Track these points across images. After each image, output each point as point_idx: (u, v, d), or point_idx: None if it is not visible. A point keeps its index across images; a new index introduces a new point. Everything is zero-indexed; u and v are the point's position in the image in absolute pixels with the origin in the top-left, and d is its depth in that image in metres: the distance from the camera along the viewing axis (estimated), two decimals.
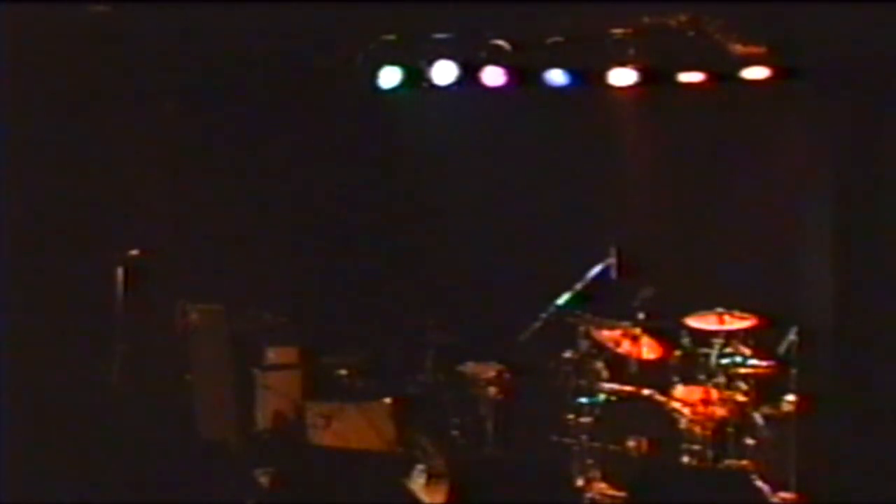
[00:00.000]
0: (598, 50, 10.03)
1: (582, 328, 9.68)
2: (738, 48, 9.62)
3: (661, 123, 10.47)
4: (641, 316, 9.57)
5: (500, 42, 10.19)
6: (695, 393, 9.39)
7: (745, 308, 9.41)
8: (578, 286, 9.77)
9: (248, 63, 10.31)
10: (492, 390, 10.18)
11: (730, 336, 9.38)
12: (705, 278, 10.15)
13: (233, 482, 9.55)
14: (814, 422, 9.18)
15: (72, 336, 9.64)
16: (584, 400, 9.53)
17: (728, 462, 9.20)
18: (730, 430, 9.22)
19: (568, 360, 9.63)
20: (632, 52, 9.96)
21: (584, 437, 9.40)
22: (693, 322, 9.48)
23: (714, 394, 9.30)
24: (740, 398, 9.27)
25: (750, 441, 9.16)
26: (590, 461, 9.32)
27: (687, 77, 10.03)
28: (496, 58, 10.24)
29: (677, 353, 9.57)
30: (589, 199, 10.66)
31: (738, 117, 10.16)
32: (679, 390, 9.48)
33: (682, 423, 9.29)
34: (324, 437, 10.17)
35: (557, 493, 9.36)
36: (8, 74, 9.16)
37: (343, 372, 10.45)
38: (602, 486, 9.22)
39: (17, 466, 8.82)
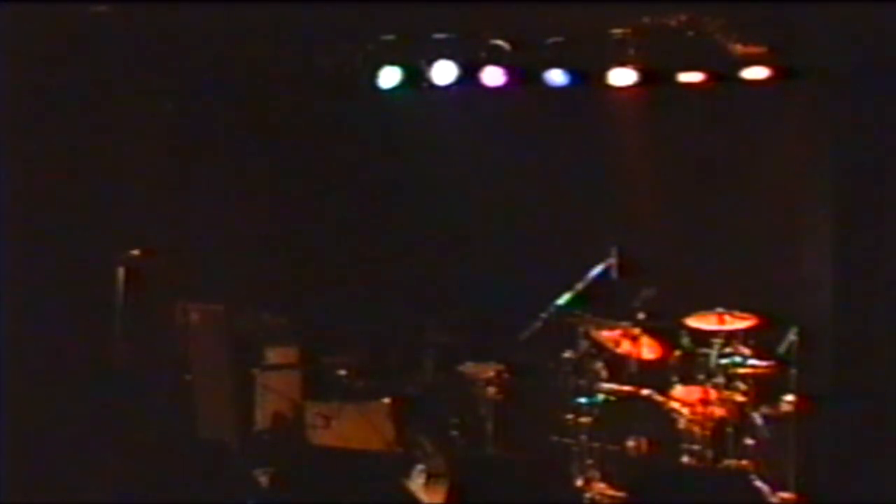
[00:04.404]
0: (598, 50, 10.02)
1: (582, 328, 9.67)
2: (738, 48, 9.62)
3: (661, 123, 10.46)
4: (641, 316, 9.56)
5: (500, 42, 10.18)
6: (694, 393, 9.39)
7: (745, 308, 9.41)
8: (579, 286, 9.76)
9: (248, 63, 10.31)
10: (492, 390, 10.17)
11: (730, 336, 9.37)
12: (705, 278, 10.14)
13: (233, 482, 9.56)
14: (814, 422, 9.18)
15: (72, 336, 9.64)
16: (583, 400, 9.52)
17: (727, 462, 9.20)
18: (729, 430, 9.22)
19: (568, 360, 9.62)
20: (632, 52, 9.95)
21: (583, 437, 9.40)
22: (693, 322, 9.48)
23: (713, 394, 9.30)
24: (739, 398, 9.27)
25: (749, 441, 9.17)
26: (589, 461, 9.32)
27: (687, 77, 10.01)
28: (496, 58, 10.23)
29: (677, 353, 9.57)
30: (589, 199, 10.66)
31: (738, 117, 10.16)
32: (678, 390, 9.48)
33: (682, 424, 9.30)
34: (324, 437, 10.18)
35: (557, 493, 9.36)
36: (8, 74, 9.16)
37: (343, 372, 10.46)
38: (601, 486, 9.22)
39: (18, 466, 8.82)
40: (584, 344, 9.66)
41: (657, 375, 9.58)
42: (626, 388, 9.55)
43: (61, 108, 9.65)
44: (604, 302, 9.77)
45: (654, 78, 10.07)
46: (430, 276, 10.99)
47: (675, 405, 9.38)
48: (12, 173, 9.30)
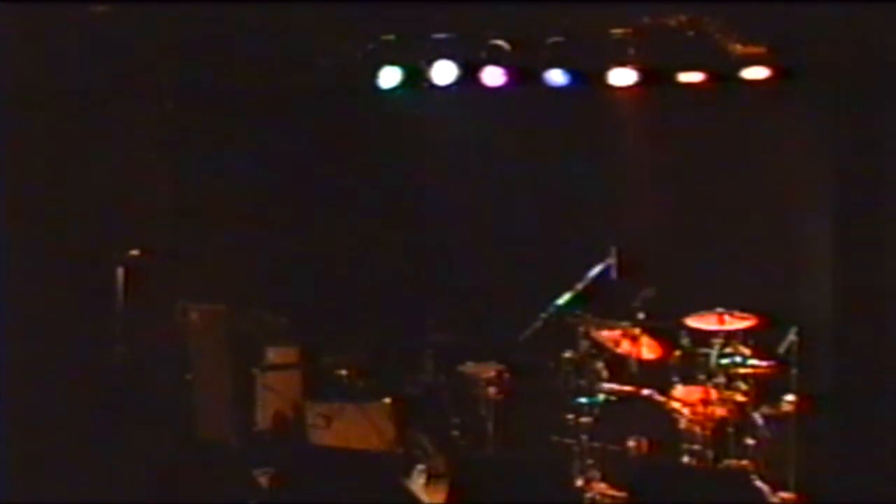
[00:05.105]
0: (598, 50, 10.02)
1: (582, 328, 9.67)
2: (738, 48, 9.62)
3: (661, 123, 10.46)
4: (641, 316, 9.56)
5: (500, 42, 10.19)
6: (694, 393, 9.39)
7: (745, 308, 9.41)
8: (578, 286, 9.77)
9: (249, 63, 10.31)
10: (492, 390, 10.18)
11: (730, 336, 9.37)
12: (705, 278, 10.14)
13: (233, 482, 9.55)
14: (814, 422, 9.18)
15: (72, 336, 9.63)
16: (583, 400, 9.53)
17: (727, 462, 9.20)
18: (729, 430, 9.22)
19: (568, 360, 9.63)
20: (632, 52, 9.95)
21: (584, 437, 9.40)
22: (693, 322, 9.48)
23: (713, 394, 9.30)
24: (740, 398, 9.28)
25: (749, 441, 9.17)
26: (590, 461, 9.32)
27: (687, 77, 10.01)
28: (496, 58, 10.23)
29: (677, 353, 9.57)
30: (589, 199, 10.66)
31: (738, 117, 10.15)
32: (679, 390, 9.48)
33: (682, 424, 9.30)
34: (324, 437, 10.18)
35: (557, 493, 9.34)
36: (8, 74, 9.16)
37: (343, 372, 10.45)
38: (602, 486, 9.22)
39: (18, 466, 8.82)
40: (584, 344, 9.67)
41: (657, 375, 9.58)
42: (627, 388, 9.55)
43: (61, 108, 9.64)
44: (604, 302, 9.77)
45: (654, 78, 10.06)
46: (431, 276, 11.00)
47: (675, 405, 9.38)
48: (12, 173, 9.30)
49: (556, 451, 9.57)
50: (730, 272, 10.13)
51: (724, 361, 9.32)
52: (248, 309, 10.47)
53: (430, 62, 10.35)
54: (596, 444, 9.36)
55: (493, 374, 10.23)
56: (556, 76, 10.25)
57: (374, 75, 10.52)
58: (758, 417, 9.21)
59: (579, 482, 9.32)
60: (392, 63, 10.48)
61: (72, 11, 9.30)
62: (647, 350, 9.68)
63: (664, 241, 10.37)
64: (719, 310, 9.38)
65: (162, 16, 9.49)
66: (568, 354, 9.63)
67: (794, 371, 9.09)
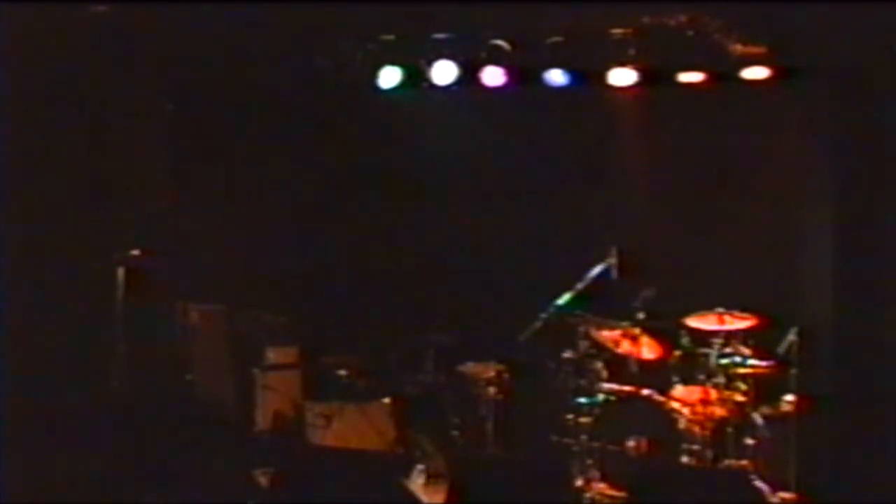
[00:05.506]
0: (598, 50, 10.04)
1: (582, 328, 9.67)
2: (738, 48, 9.63)
3: (661, 123, 10.47)
4: (641, 316, 9.56)
5: (500, 42, 10.20)
6: (694, 393, 9.38)
7: (745, 308, 9.41)
8: (578, 286, 9.76)
9: (248, 63, 10.32)
10: (492, 390, 10.18)
11: (729, 336, 9.36)
12: (705, 278, 10.14)
13: (233, 482, 9.55)
14: (814, 422, 9.17)
15: (72, 336, 9.64)
16: (583, 400, 9.52)
17: (727, 462, 9.19)
18: (729, 430, 9.21)
19: (568, 360, 9.61)
20: (632, 52, 9.96)
21: (583, 437, 9.39)
22: (693, 322, 9.48)
23: (713, 394, 9.29)
24: (739, 398, 9.27)
25: (749, 441, 9.16)
26: (589, 461, 9.31)
27: (687, 77, 10.03)
28: (496, 58, 10.25)
29: (677, 353, 9.56)
30: (589, 199, 10.67)
31: (738, 117, 10.16)
32: (678, 390, 9.47)
33: (682, 424, 9.29)
34: (324, 437, 10.18)
35: (557, 493, 9.35)
36: (8, 74, 9.17)
37: (343, 372, 10.45)
38: (601, 486, 9.21)
39: (17, 466, 8.82)
40: (584, 344, 9.65)
41: (657, 375, 9.57)
42: (626, 388, 9.54)
43: (61, 108, 9.65)
44: (604, 302, 9.76)
45: (654, 78, 10.08)
46: (431, 276, 11.00)
47: (675, 405, 9.37)
48: (12, 173, 9.30)
49: (555, 451, 9.56)
50: (730, 272, 10.14)
51: (724, 361, 9.32)
52: (248, 309, 10.48)
53: (430, 62, 10.37)
54: (595, 444, 9.34)
55: (493, 374, 10.23)
56: (556, 76, 10.26)
57: (374, 75, 10.53)
58: (757, 417, 9.20)
59: (579, 482, 9.31)
60: (392, 63, 10.49)
61: (72, 11, 9.30)
62: (647, 350, 9.67)
63: (664, 241, 10.37)
64: (719, 310, 9.37)
65: (162, 16, 9.48)
66: (568, 354, 9.62)
67: (793, 371, 9.08)
